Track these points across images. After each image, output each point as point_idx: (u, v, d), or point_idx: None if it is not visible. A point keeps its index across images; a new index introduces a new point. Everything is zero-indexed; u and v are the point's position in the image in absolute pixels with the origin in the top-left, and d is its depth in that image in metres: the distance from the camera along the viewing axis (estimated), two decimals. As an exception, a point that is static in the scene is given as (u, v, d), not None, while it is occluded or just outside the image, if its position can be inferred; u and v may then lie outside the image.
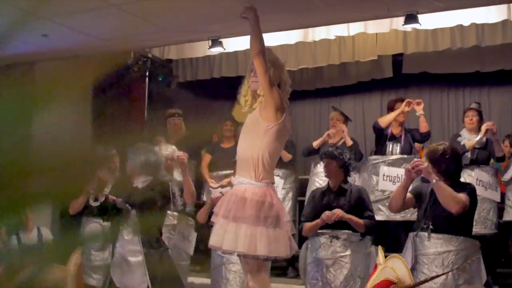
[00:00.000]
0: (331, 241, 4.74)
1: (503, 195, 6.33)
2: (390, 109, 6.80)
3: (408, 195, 4.51)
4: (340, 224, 4.80)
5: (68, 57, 7.36)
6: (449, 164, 4.43)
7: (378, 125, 6.60)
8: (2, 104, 0.98)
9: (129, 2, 5.14)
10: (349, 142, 6.53)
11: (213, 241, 3.80)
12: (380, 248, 3.94)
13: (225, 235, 3.71)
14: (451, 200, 4.21)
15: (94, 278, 5.70)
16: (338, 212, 4.75)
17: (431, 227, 4.31)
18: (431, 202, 4.37)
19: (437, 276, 4.00)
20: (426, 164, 4.32)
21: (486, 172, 6.12)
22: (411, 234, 4.44)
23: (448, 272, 4.11)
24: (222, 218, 3.74)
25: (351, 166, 5.05)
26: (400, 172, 6.00)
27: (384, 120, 6.58)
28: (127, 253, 4.65)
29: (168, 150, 5.61)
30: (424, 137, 6.59)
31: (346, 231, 4.80)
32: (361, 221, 4.80)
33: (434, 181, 4.23)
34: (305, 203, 5.42)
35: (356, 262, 4.79)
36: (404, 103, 6.49)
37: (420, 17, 6.00)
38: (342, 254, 4.75)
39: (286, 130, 3.87)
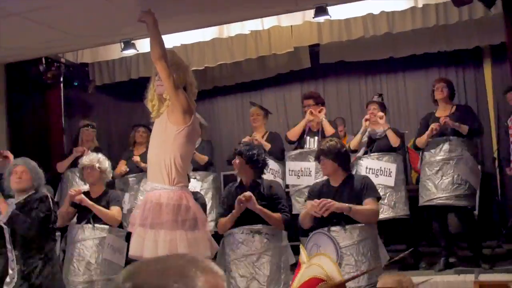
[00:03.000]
0: (253, 236, 4.75)
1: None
2: (305, 99, 6.88)
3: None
4: (256, 219, 4.81)
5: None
6: (347, 157, 4.76)
7: (288, 139, 6.84)
8: None
9: (32, 9, 4.96)
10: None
11: (133, 250, 3.76)
12: (302, 246, 3.99)
13: (145, 243, 3.67)
14: (372, 216, 4.54)
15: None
16: (248, 195, 4.73)
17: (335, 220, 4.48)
18: (331, 198, 4.50)
19: (368, 271, 4.16)
20: (332, 202, 4.41)
21: (389, 160, 6.22)
22: (321, 231, 4.50)
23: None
24: (139, 226, 3.71)
25: (262, 162, 5.06)
26: (304, 165, 6.27)
27: (293, 134, 6.76)
28: None
29: (88, 158, 5.51)
30: None
31: (266, 225, 4.82)
32: (275, 214, 4.83)
33: (350, 209, 4.41)
34: (220, 200, 5.44)
35: (279, 254, 4.84)
36: (307, 113, 6.62)
37: (331, 8, 6.08)
38: (265, 247, 4.76)
39: (196, 131, 3.87)
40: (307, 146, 6.55)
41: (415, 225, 6.51)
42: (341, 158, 4.72)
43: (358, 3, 6.57)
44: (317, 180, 5.51)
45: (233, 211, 4.82)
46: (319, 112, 6.58)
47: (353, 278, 3.86)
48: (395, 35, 7.69)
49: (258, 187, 4.97)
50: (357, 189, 4.63)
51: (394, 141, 6.30)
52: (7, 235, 4.41)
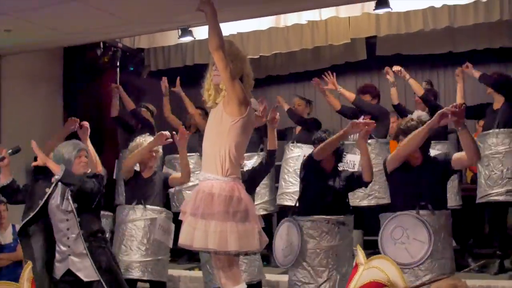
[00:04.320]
0: (338, 228, 4.63)
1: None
2: (361, 93, 6.77)
3: None
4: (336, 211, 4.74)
5: (35, 51, 7.26)
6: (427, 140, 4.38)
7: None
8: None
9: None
10: None
11: (182, 239, 3.75)
12: (359, 247, 3.90)
13: (195, 233, 3.66)
14: (475, 148, 4.14)
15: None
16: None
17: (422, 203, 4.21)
18: (415, 179, 4.28)
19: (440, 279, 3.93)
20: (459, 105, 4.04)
21: (442, 148, 6.09)
22: (409, 213, 4.21)
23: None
24: (190, 215, 3.69)
25: (342, 150, 4.98)
26: (349, 158, 6.09)
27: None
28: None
29: (136, 140, 5.53)
30: None
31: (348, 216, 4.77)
32: None
33: (460, 128, 4.04)
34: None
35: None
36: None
37: (392, 0, 5.97)
38: (346, 239, 4.70)
39: (251, 123, 3.82)
40: (351, 137, 6.41)
41: (466, 223, 6.36)
42: None
43: (420, -4, 6.44)
44: None
45: None
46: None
47: (417, 286, 3.74)
48: (455, 29, 7.52)
49: (339, 174, 4.89)
50: (441, 164, 4.35)
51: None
52: (69, 198, 4.41)
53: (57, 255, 4.48)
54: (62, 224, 4.43)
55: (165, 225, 5.38)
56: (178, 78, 7.15)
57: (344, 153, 5.07)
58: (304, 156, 5.67)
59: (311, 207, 4.80)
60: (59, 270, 4.45)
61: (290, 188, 6.60)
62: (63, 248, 4.44)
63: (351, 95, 6.59)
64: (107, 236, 4.87)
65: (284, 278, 5.31)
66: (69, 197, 4.37)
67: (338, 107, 6.80)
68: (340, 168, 5.00)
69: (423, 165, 4.34)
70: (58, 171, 4.32)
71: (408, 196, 4.26)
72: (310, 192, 4.88)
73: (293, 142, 6.81)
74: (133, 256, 5.21)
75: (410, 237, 4.11)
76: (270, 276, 5.84)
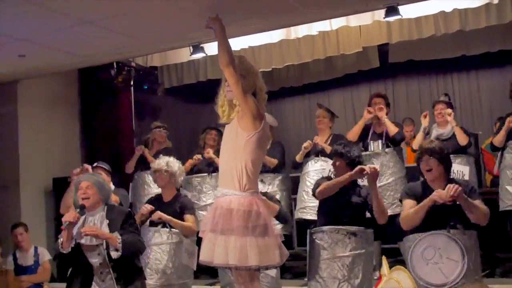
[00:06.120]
0: (349, 238, 4.50)
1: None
2: (369, 104, 6.71)
3: (412, 202, 4.32)
4: (350, 221, 4.61)
5: (50, 74, 7.34)
6: (449, 159, 4.36)
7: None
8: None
9: (103, 18, 5.08)
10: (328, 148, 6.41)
11: (203, 256, 3.74)
12: (384, 258, 3.87)
13: (215, 249, 3.65)
14: (485, 216, 4.13)
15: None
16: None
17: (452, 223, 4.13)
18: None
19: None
20: (459, 188, 4.01)
21: (461, 162, 6.01)
22: (441, 232, 4.11)
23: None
24: (210, 232, 3.69)
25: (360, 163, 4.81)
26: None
27: (352, 134, 6.54)
28: None
29: (157, 162, 5.54)
30: (395, 140, 6.40)
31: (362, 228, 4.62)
32: None
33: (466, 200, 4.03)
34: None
35: (371, 258, 4.60)
36: (365, 112, 6.48)
37: (402, 7, 5.94)
38: (360, 250, 4.49)
39: (266, 136, 3.82)
40: (371, 149, 6.37)
41: (490, 229, 6.26)
42: (447, 160, 4.36)
43: (430, 1, 6.40)
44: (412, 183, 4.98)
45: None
46: (380, 110, 6.39)
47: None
48: (467, 33, 7.46)
49: (358, 189, 4.79)
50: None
51: (462, 139, 6.06)
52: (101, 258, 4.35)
53: None
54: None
55: (190, 249, 5.32)
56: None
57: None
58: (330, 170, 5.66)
59: (326, 220, 4.73)
60: None
61: (314, 202, 6.49)
62: None
63: (395, 129, 6.40)
64: None
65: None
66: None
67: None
68: (361, 183, 4.93)
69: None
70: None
71: (437, 215, 4.17)
72: (325, 206, 4.82)
73: (317, 156, 6.71)
74: (159, 280, 5.14)
75: (443, 256, 4.02)
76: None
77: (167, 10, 5.07)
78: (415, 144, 6.23)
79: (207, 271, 6.94)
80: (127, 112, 7.84)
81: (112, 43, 5.98)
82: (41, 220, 7.76)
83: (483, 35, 7.70)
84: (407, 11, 6.38)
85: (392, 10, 5.83)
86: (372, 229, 4.63)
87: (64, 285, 4.71)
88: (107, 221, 4.40)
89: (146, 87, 8.51)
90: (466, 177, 5.83)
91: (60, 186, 6.14)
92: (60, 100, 8.13)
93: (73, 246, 4.29)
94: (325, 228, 4.58)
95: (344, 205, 4.70)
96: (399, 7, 5.81)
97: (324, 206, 4.86)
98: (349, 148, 4.83)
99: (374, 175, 4.49)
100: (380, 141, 6.34)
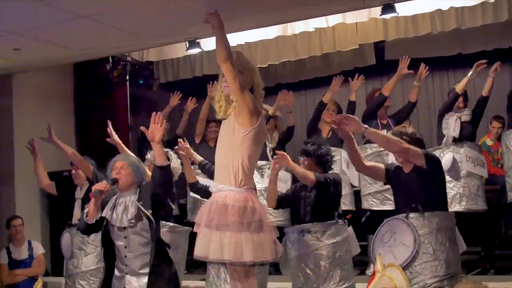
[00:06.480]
0: (303, 236, 4.74)
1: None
2: (369, 100, 6.77)
3: (381, 166, 4.45)
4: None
5: (45, 68, 7.31)
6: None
7: (383, 97, 6.83)
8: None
9: (99, 12, 5.06)
10: None
11: (198, 251, 3.75)
12: (379, 255, 3.90)
13: (210, 244, 3.67)
14: (391, 143, 4.19)
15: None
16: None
17: (419, 207, 4.17)
18: (405, 184, 4.27)
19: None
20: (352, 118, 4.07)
21: (473, 148, 6.13)
22: (398, 217, 4.25)
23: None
24: (205, 227, 3.70)
25: (330, 161, 5.04)
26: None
27: (387, 88, 6.85)
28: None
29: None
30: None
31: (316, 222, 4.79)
32: (309, 173, 4.84)
33: (364, 129, 4.04)
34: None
35: (332, 250, 4.75)
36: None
37: (398, 5, 5.95)
38: (316, 246, 4.72)
39: (263, 133, 3.83)
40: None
41: (489, 224, 6.32)
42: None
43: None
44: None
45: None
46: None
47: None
48: (463, 31, 7.49)
49: (326, 186, 4.83)
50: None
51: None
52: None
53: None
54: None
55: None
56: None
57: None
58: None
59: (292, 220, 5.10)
60: None
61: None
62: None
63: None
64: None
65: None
66: None
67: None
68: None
69: (413, 168, 4.28)
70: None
71: (400, 199, 4.32)
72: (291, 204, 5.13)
73: None
74: None
75: (397, 240, 4.15)
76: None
77: (163, 5, 5.05)
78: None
79: (200, 266, 6.97)
80: (123, 106, 7.82)
81: (108, 38, 5.96)
82: (36, 215, 7.76)
83: (479, 33, 7.72)
84: (403, 9, 6.40)
85: (388, 8, 5.85)
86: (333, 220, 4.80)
87: (57, 279, 4.71)
88: (137, 204, 4.03)
89: (141, 81, 8.49)
90: (485, 166, 6.11)
91: (55, 180, 6.12)
92: (55, 94, 8.11)
93: (97, 219, 4.04)
94: (287, 229, 5.00)
95: (300, 204, 4.94)
96: (395, 4, 5.86)
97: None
98: (317, 147, 4.90)
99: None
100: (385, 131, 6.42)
